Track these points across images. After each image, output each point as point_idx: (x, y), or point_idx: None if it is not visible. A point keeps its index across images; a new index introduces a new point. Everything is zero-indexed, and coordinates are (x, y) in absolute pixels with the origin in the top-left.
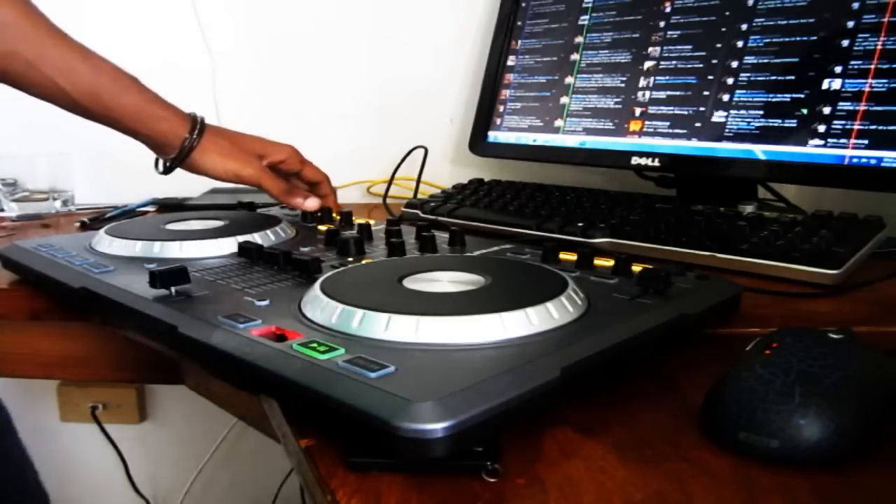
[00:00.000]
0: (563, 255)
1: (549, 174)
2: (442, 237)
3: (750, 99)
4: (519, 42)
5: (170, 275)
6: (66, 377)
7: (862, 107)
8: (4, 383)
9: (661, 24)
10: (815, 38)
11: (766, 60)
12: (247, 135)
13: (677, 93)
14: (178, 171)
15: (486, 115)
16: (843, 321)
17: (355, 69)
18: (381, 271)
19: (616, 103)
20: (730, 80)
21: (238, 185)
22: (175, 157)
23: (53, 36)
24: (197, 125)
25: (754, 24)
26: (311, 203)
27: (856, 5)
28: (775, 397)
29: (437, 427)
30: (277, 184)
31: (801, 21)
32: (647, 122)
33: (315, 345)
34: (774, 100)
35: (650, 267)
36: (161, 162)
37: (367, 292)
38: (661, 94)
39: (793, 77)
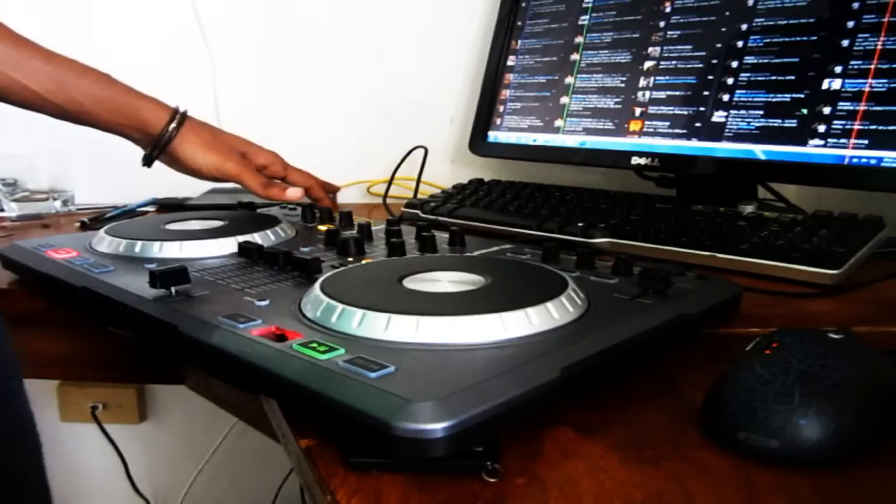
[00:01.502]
0: (563, 255)
1: (549, 174)
2: (442, 237)
3: (750, 99)
4: (519, 42)
5: (170, 275)
6: (66, 377)
7: (862, 107)
8: None
9: (661, 24)
10: (815, 38)
11: (766, 60)
12: (229, 133)
13: (677, 93)
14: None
15: (486, 115)
16: (843, 321)
17: (355, 69)
18: (381, 271)
19: (616, 103)
20: (730, 80)
21: (222, 181)
22: (154, 146)
23: (12, 39)
24: (177, 115)
25: (754, 24)
26: (292, 192)
27: (856, 5)
28: (775, 397)
29: (437, 427)
30: (257, 178)
31: (801, 21)
32: (646, 122)
33: (315, 345)
34: (774, 100)
35: (650, 267)
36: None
37: (367, 292)
38: (661, 94)
39: (793, 77)
